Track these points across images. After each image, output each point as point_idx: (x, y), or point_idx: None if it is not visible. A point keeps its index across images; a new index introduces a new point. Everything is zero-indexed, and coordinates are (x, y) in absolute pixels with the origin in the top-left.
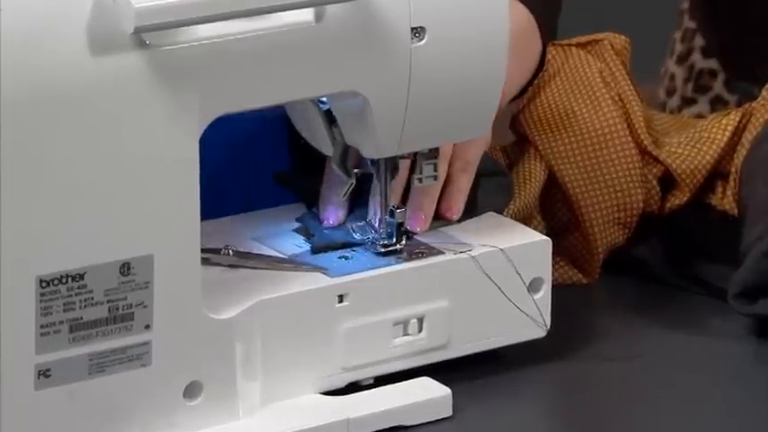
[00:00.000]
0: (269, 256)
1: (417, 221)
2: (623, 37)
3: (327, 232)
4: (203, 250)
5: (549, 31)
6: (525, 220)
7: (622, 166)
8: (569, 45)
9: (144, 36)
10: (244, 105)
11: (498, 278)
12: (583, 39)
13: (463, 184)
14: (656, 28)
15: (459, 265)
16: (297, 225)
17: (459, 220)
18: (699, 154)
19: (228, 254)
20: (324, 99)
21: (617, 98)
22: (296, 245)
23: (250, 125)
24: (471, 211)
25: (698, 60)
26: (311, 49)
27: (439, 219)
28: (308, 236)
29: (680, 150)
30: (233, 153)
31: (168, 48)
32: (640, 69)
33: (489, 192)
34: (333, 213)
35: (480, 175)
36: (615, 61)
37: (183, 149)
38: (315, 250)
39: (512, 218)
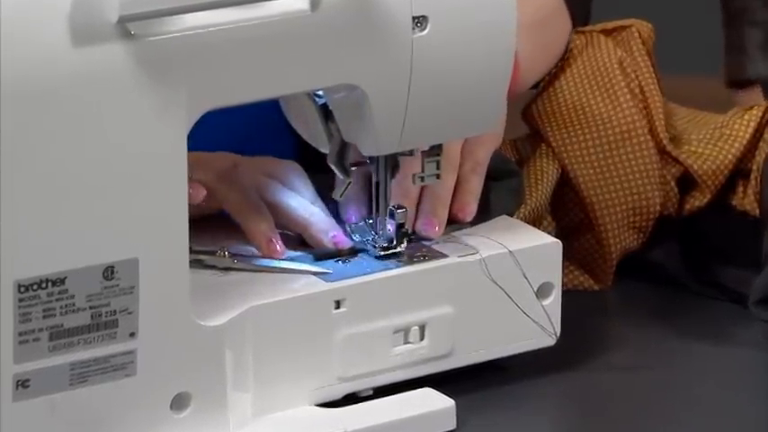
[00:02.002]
0: (264, 258)
1: (430, 228)
2: (649, 25)
3: None
4: (198, 251)
5: (581, 16)
6: (535, 221)
7: (640, 167)
8: (592, 31)
9: (129, 26)
10: (235, 99)
11: (505, 283)
12: (609, 24)
13: (474, 185)
14: (679, 16)
15: (463, 269)
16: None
17: (472, 223)
18: (721, 153)
19: (224, 255)
20: (320, 92)
21: (637, 90)
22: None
23: (250, 119)
24: (484, 213)
25: None
26: (306, 40)
27: (451, 222)
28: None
29: (700, 149)
30: (231, 149)
31: (154, 38)
32: (661, 60)
33: (501, 195)
34: (354, 212)
35: (491, 178)
36: (641, 50)
37: (171, 146)
38: (318, 257)
39: (523, 220)
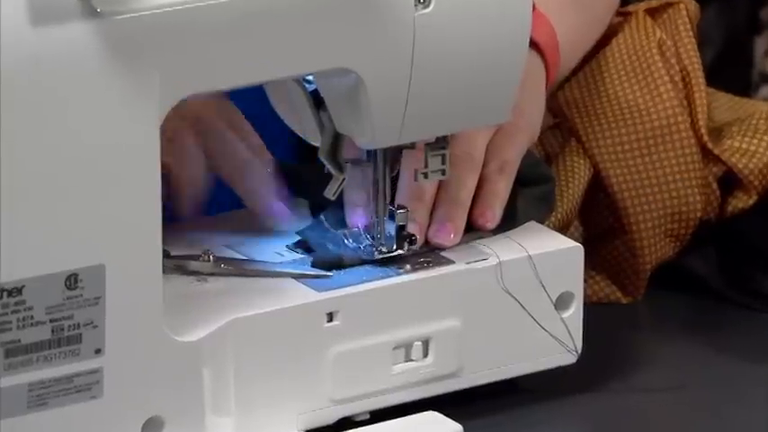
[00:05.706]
0: (253, 262)
1: (444, 235)
2: (696, 3)
3: (332, 247)
4: (179, 256)
5: None
6: (563, 229)
7: (680, 167)
8: (636, 10)
9: (94, 2)
10: (213, 85)
11: (519, 292)
12: (654, 2)
13: (500, 188)
14: None
15: (472, 277)
16: (295, 237)
17: (495, 231)
18: None
19: (208, 260)
20: (310, 78)
21: (678, 78)
22: (279, 251)
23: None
24: (508, 222)
25: None
26: (294, 18)
27: (471, 229)
28: (309, 250)
29: (744, 145)
30: None
31: (123, 16)
32: None
33: (528, 202)
34: (361, 216)
35: (518, 182)
36: (688, 31)
37: (142, 137)
38: (315, 266)
39: (552, 228)
